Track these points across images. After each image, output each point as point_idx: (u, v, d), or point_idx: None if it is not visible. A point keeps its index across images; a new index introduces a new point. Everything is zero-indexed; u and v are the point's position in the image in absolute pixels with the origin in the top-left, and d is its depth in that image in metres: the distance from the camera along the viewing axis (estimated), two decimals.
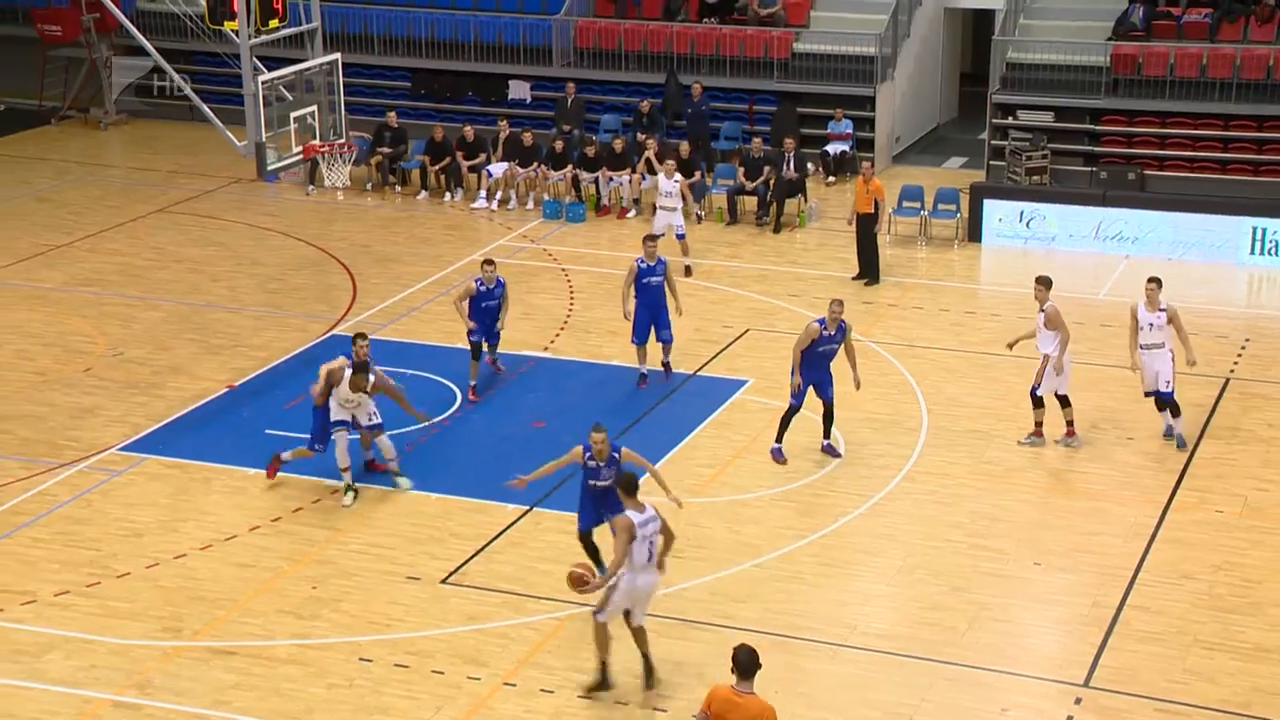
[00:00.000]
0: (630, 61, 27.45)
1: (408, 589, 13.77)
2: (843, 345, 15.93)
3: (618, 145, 24.80)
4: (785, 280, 21.56)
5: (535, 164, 25.01)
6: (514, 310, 19.61)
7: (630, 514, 11.84)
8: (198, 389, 17.94)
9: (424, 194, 25.57)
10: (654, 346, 17.91)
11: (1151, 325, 15.89)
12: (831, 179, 25.89)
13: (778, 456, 16.04)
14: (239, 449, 16.12)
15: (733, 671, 9.97)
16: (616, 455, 13.11)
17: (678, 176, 21.53)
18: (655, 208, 21.71)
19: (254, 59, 26.00)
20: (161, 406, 17.48)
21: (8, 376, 18.32)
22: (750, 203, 24.23)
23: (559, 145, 25.06)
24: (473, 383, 17.40)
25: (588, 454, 13.09)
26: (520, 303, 20.28)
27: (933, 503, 15.39)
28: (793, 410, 15.98)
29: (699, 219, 23.99)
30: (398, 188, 25.87)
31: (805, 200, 24.15)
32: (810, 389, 15.96)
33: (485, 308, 17.36)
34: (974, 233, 23.04)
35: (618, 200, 24.84)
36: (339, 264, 22.45)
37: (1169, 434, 16.33)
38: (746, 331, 19.64)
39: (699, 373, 18.29)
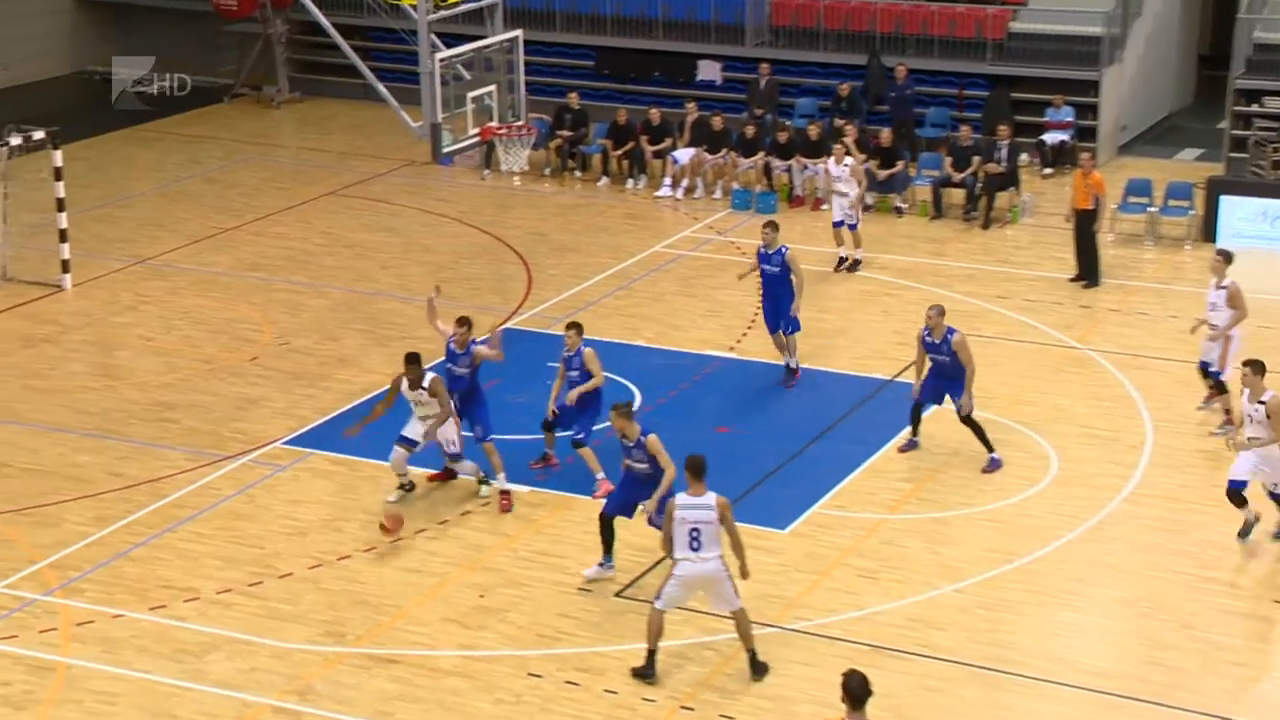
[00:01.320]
0: (829, 41, 27.25)
1: (579, 601, 13.86)
2: (954, 356, 15.80)
3: (813, 131, 24.66)
4: (994, 281, 21.18)
5: (724, 150, 24.99)
6: (699, 307, 19.62)
7: (679, 495, 12.48)
8: (365, 382, 18.33)
9: (605, 180, 25.75)
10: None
11: (1251, 418, 14.28)
12: (1048, 171, 25.36)
13: (907, 448, 16.28)
14: None
15: (843, 700, 9.81)
16: (644, 439, 13.67)
17: (848, 160, 21.31)
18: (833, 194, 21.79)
19: (432, 36, 26.50)
20: (328, 400, 17.91)
21: (175, 364, 18.97)
22: (957, 195, 23.88)
23: (750, 130, 25.01)
24: (547, 451, 16.10)
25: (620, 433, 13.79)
26: (705, 299, 20.29)
27: (1158, 529, 14.94)
28: (914, 406, 16.26)
29: (899, 211, 23.76)
30: (577, 173, 26.09)
31: (1018, 194, 23.70)
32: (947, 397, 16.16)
33: (569, 378, 15.84)
34: (1209, 232, 22.34)
35: (812, 190, 24.69)
36: (514, 253, 22.74)
37: None
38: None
39: (897, 379, 18.06)
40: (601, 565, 14.16)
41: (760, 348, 19.20)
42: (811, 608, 13.76)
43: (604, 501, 14.36)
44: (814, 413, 17.40)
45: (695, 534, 12.41)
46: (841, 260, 21.58)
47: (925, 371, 16.08)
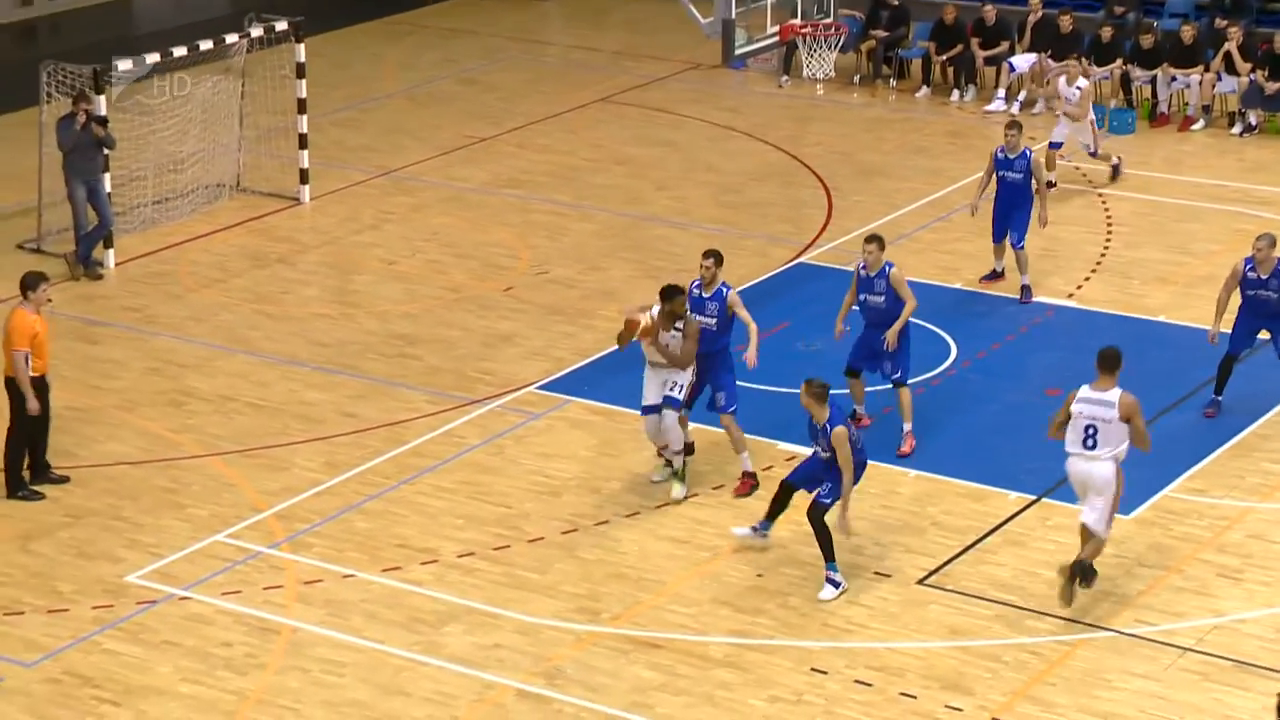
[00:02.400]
0: None
1: (875, 588, 13.85)
2: None
3: (1187, 34, 23.93)
4: None
5: (1073, 56, 24.42)
6: (1032, 244, 19.19)
7: (1083, 387, 13.42)
8: None
9: (925, 90, 25.47)
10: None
11: None
12: None
13: (1209, 408, 16.23)
14: None
15: None
16: (830, 428, 13.58)
17: (1081, 82, 21.17)
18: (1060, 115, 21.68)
19: None
20: (589, 339, 18.21)
21: (418, 291, 19.56)
22: None
23: (1107, 33, 24.43)
24: (856, 408, 15.77)
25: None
26: (1040, 235, 19.85)
27: None
28: (1226, 359, 16.23)
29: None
30: (893, 81, 25.87)
31: None
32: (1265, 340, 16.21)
33: (867, 303, 15.73)
34: None
35: (1181, 107, 24.02)
36: (812, 175, 22.68)
37: None
38: None
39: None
40: (755, 529, 14.24)
41: (1105, 295, 18.79)
42: (1156, 610, 13.49)
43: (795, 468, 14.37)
44: (1169, 376, 16.96)
45: (1091, 431, 13.20)
46: (1049, 184, 21.10)
47: (1224, 311, 16.11)
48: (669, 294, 14.78)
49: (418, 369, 17.72)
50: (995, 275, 19.08)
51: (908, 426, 15.73)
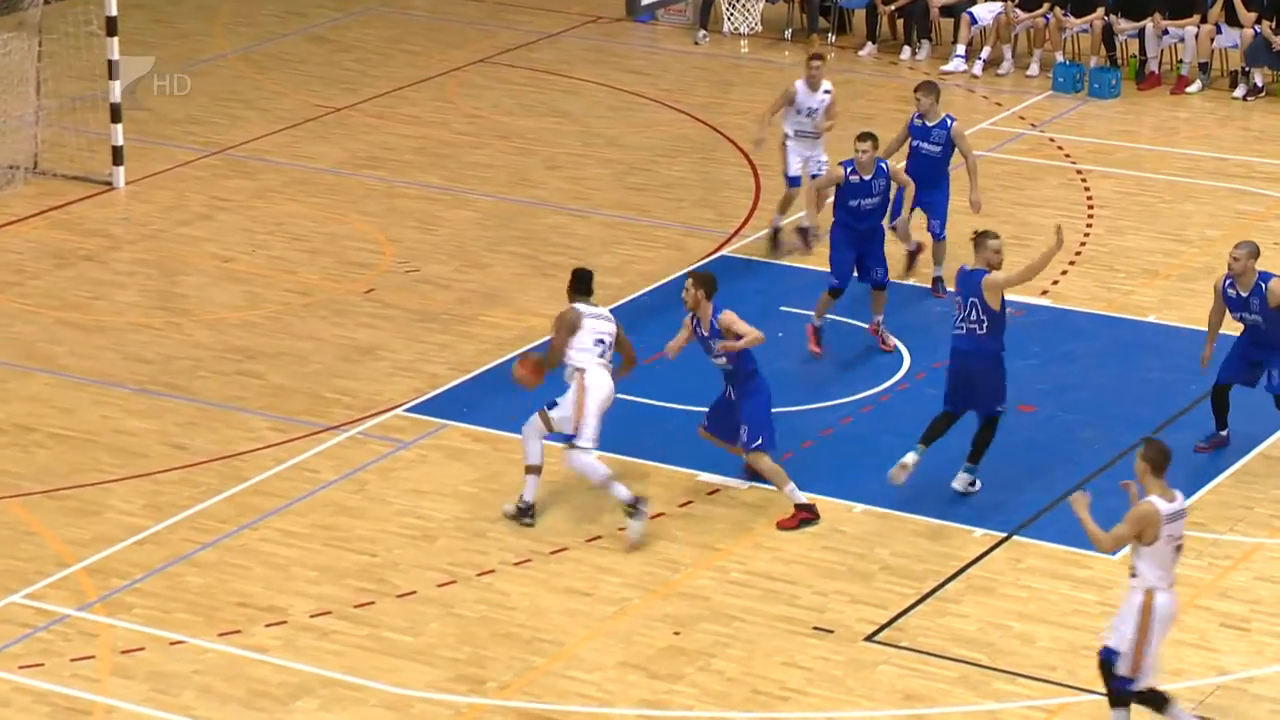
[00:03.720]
0: None
1: (814, 646, 13.94)
2: (1275, 315, 15.75)
3: None
4: None
5: (1045, 6, 24.71)
6: (999, 231, 19.39)
7: (1154, 499, 12.30)
8: (521, 327, 18.62)
9: (870, 47, 25.71)
10: None
11: None
12: None
13: (1208, 445, 16.31)
14: None
15: None
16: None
17: (827, 85, 19.53)
18: (786, 138, 19.73)
19: None
20: (469, 351, 18.25)
21: (261, 294, 19.51)
22: None
23: None
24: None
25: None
26: (1009, 219, 20.14)
27: None
28: (1215, 389, 16.27)
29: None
30: (831, 37, 26.09)
31: None
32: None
33: (860, 206, 17.40)
34: None
35: (1175, 65, 24.30)
36: (735, 149, 22.79)
37: None
38: None
39: None
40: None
41: (1086, 291, 19.00)
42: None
43: None
44: (1161, 388, 17.24)
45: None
46: (776, 236, 20.24)
47: (1215, 334, 16.07)
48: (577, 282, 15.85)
49: (260, 390, 17.67)
50: (910, 254, 18.89)
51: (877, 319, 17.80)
